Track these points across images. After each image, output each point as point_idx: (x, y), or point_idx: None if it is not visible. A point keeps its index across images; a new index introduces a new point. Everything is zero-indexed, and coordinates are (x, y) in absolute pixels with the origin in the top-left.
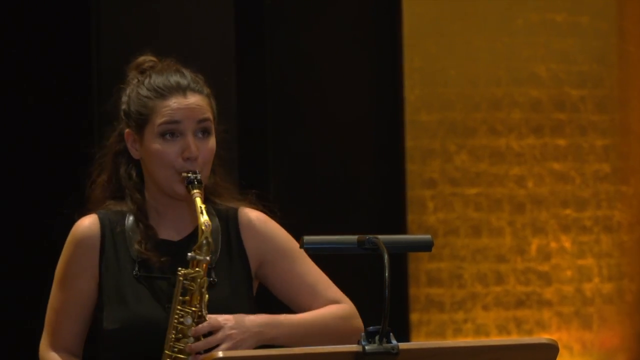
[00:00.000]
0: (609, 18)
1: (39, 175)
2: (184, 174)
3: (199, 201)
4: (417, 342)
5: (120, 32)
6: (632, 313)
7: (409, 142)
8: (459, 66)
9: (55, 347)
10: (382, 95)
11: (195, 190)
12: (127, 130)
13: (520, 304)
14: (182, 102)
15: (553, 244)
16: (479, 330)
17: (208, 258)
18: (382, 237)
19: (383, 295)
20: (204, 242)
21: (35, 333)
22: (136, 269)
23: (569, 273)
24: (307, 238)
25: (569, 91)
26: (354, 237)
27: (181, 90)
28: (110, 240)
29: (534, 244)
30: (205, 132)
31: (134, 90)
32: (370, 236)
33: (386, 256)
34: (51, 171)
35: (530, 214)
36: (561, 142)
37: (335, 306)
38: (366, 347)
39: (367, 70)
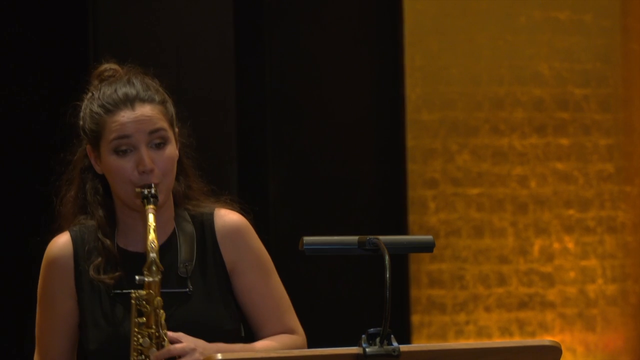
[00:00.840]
0: (612, 16)
1: (34, 175)
2: (137, 190)
3: (151, 218)
4: (418, 345)
5: (118, 32)
6: (636, 315)
7: (410, 142)
8: (461, 64)
9: None
10: (382, 93)
11: (149, 206)
12: (88, 146)
13: (522, 305)
14: (129, 115)
15: (556, 245)
16: (481, 332)
17: (157, 279)
18: (382, 238)
19: (384, 296)
20: (152, 262)
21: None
22: (110, 288)
23: (572, 274)
24: (306, 239)
25: (572, 90)
26: (354, 238)
27: (129, 102)
28: (83, 259)
29: (537, 244)
30: (161, 142)
31: (87, 107)
32: (371, 237)
33: (387, 257)
34: (46, 173)
35: (533, 214)
36: (564, 141)
37: (288, 337)
38: (367, 350)
39: (367, 69)
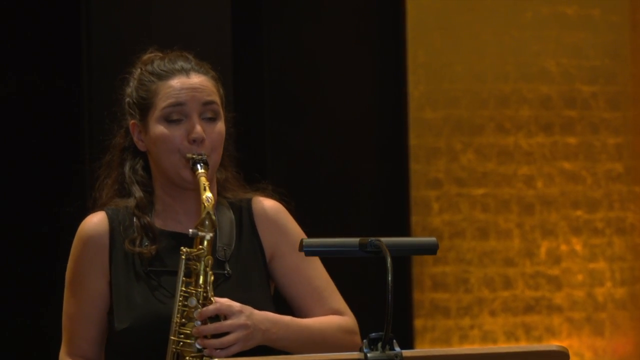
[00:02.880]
0: (621, 11)
1: (26, 172)
2: (189, 155)
3: (203, 179)
4: (421, 350)
5: (111, 27)
6: None
7: (413, 141)
8: (466, 61)
9: (72, 355)
10: (384, 91)
11: (200, 171)
12: (132, 121)
13: (529, 309)
14: (185, 82)
15: (563, 247)
16: (486, 337)
17: (211, 235)
18: (384, 240)
19: (386, 300)
20: (206, 217)
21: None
22: (146, 264)
23: (580, 277)
24: (306, 241)
25: (580, 87)
26: (355, 240)
27: (184, 71)
28: (119, 237)
29: (544, 246)
30: (213, 117)
31: (136, 80)
32: (373, 238)
33: (389, 259)
34: (39, 168)
35: (539, 215)
36: (572, 140)
37: (339, 318)
38: (368, 355)
39: (369, 66)
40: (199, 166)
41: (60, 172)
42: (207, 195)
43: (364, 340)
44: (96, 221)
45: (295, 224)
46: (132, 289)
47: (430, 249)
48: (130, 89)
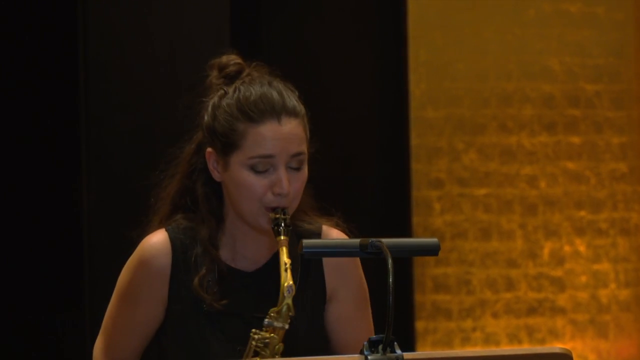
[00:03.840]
0: (626, 8)
1: (22, 169)
2: (272, 215)
3: (284, 255)
4: (422, 352)
5: (108, 25)
6: None
7: (414, 140)
8: (468, 59)
9: (110, 357)
10: (385, 90)
11: (282, 238)
12: (209, 149)
13: (532, 311)
14: (277, 131)
15: (567, 248)
16: (488, 339)
17: (287, 326)
18: (385, 241)
19: (387, 302)
20: (285, 308)
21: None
22: (209, 303)
23: (583, 279)
24: (306, 242)
25: (583, 86)
26: (356, 241)
27: (275, 114)
28: (181, 264)
29: (547, 247)
30: (299, 166)
31: (220, 105)
32: (373, 239)
33: (390, 260)
34: (35, 165)
35: (542, 216)
36: (575, 139)
37: None
38: (369, 357)
39: (369, 64)
40: (280, 229)
41: (57, 171)
42: (289, 284)
43: (365, 343)
44: (159, 244)
45: (360, 268)
46: (190, 325)
47: (432, 250)
48: (211, 111)
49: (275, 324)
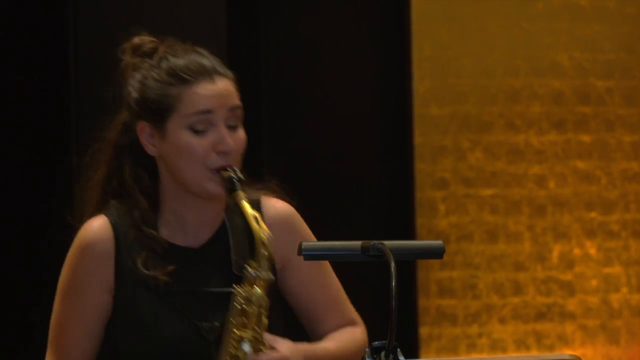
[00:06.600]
0: (637, 2)
1: (13, 166)
2: (223, 173)
3: (248, 207)
4: (427, 359)
5: (100, 20)
6: None
7: (418, 139)
8: (473, 55)
9: None
10: (388, 86)
11: (239, 192)
12: (139, 122)
13: (540, 316)
14: (212, 88)
15: (577, 251)
16: (495, 346)
17: (269, 276)
18: (388, 243)
19: (390, 306)
20: (265, 256)
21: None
22: (155, 282)
23: (594, 282)
24: (305, 244)
25: (594, 82)
26: (357, 243)
27: (208, 74)
28: (124, 249)
29: (556, 250)
30: (236, 123)
31: (148, 76)
32: (376, 242)
33: (393, 264)
34: (25, 162)
35: (551, 217)
36: (585, 138)
37: (353, 331)
38: None
39: (372, 60)
40: (236, 186)
41: (46, 166)
42: (266, 232)
43: (367, 350)
44: (99, 228)
45: (308, 230)
46: (141, 309)
47: (436, 253)
48: (139, 85)
49: (259, 274)
